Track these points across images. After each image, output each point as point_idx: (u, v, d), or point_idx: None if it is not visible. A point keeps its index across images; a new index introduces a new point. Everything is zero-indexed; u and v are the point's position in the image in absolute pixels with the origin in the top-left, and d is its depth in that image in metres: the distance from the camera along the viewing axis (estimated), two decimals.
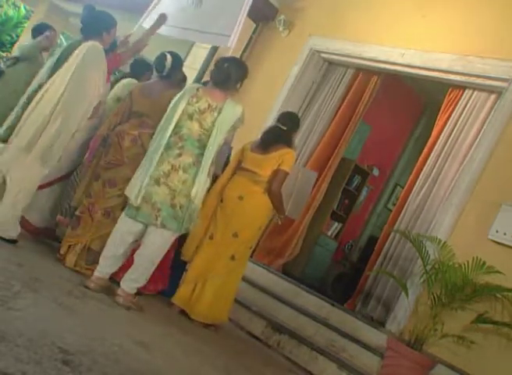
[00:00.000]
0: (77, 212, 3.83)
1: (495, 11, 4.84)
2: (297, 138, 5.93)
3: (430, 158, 5.11)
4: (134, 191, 3.40)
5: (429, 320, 3.81)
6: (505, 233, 4.06)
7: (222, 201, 3.97)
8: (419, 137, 8.07)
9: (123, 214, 3.50)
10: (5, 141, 3.53)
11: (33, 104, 3.53)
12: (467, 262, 3.85)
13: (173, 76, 3.98)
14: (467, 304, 3.85)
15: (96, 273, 3.46)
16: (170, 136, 3.43)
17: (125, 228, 3.47)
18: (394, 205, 6.64)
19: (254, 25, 6.50)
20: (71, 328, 2.49)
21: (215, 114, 3.45)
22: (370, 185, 7.96)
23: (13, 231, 3.53)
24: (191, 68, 6.27)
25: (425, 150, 5.26)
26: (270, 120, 5.32)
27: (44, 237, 4.13)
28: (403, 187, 6.10)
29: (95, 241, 3.75)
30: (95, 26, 3.75)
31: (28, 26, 10.32)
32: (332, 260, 7.38)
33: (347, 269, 7.17)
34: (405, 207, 5.14)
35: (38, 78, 3.69)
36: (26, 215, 3.83)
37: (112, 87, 4.32)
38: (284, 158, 3.92)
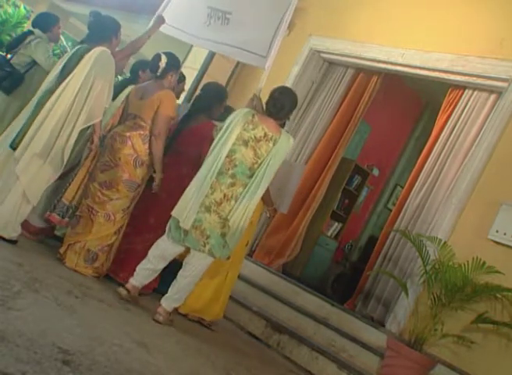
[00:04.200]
0: (78, 213, 3.86)
1: (495, 11, 4.84)
2: (297, 138, 5.95)
3: (430, 158, 5.11)
4: (183, 214, 3.39)
5: (429, 320, 3.81)
6: (505, 233, 4.06)
7: None
8: (419, 137, 8.07)
9: (165, 237, 3.52)
10: (15, 147, 3.52)
11: (45, 111, 3.52)
12: (467, 262, 3.85)
13: (168, 77, 3.94)
14: (467, 304, 3.85)
15: (132, 281, 3.52)
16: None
17: (170, 249, 3.53)
18: (394, 205, 6.63)
19: None
20: (71, 328, 2.50)
21: (271, 145, 3.46)
22: (370, 185, 7.96)
23: (14, 231, 3.54)
24: (191, 68, 6.27)
25: (425, 150, 5.26)
26: None
27: (43, 236, 4.13)
28: (403, 187, 6.10)
29: (94, 242, 3.77)
30: (104, 32, 3.76)
31: (28, 26, 10.31)
32: (332, 260, 7.38)
33: (347, 269, 7.16)
34: (405, 207, 5.13)
35: (46, 84, 3.68)
36: (28, 217, 3.82)
37: (114, 90, 4.31)
38: None
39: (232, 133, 3.45)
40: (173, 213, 3.44)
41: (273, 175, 3.51)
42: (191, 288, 3.57)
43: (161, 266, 3.57)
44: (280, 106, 3.57)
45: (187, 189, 3.47)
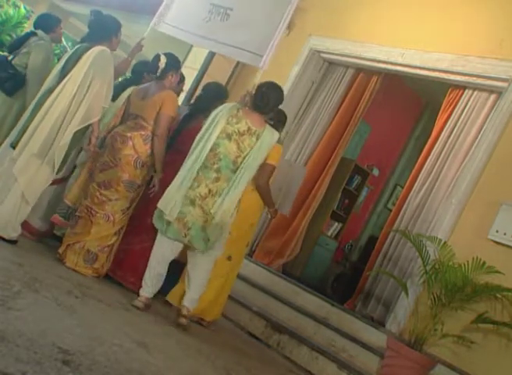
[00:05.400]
0: (77, 213, 3.85)
1: (495, 11, 4.84)
2: (297, 138, 5.95)
3: (430, 158, 5.11)
4: (168, 206, 3.45)
5: (429, 320, 3.81)
6: (505, 233, 4.06)
7: None
8: (419, 137, 8.07)
9: (159, 233, 3.58)
10: (14, 146, 3.54)
11: (43, 110, 3.53)
12: (467, 262, 3.85)
13: (169, 77, 3.94)
14: (467, 304, 3.85)
15: (144, 294, 3.58)
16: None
17: (167, 249, 3.59)
18: (394, 205, 6.64)
19: None
20: (71, 328, 2.50)
21: (254, 139, 3.51)
22: (370, 185, 7.96)
23: (14, 231, 3.54)
24: (191, 68, 6.27)
25: (425, 150, 5.26)
26: None
27: (45, 237, 4.14)
28: (403, 187, 6.10)
29: (93, 243, 3.77)
30: (105, 31, 3.77)
31: (28, 26, 10.30)
32: (332, 260, 7.38)
33: (347, 269, 7.16)
34: (405, 207, 5.13)
35: (47, 84, 3.68)
36: (29, 218, 3.82)
37: (115, 90, 4.30)
38: (270, 152, 3.90)
39: (217, 127, 3.49)
40: (159, 205, 3.49)
41: (256, 169, 3.55)
42: (205, 286, 3.67)
43: (165, 268, 3.61)
44: (267, 100, 3.62)
45: (173, 182, 3.51)
